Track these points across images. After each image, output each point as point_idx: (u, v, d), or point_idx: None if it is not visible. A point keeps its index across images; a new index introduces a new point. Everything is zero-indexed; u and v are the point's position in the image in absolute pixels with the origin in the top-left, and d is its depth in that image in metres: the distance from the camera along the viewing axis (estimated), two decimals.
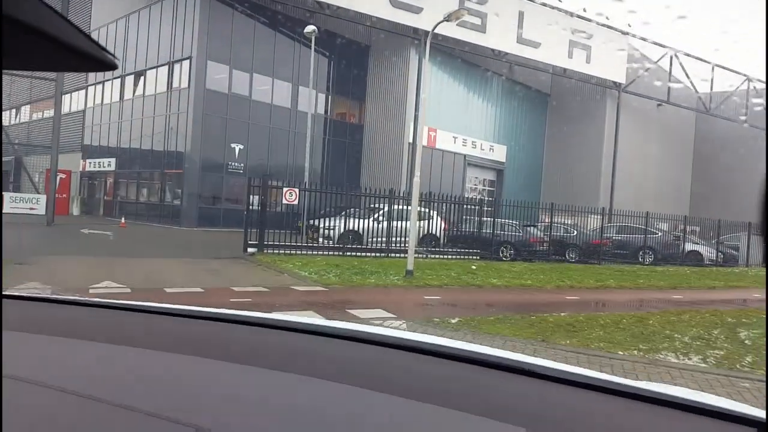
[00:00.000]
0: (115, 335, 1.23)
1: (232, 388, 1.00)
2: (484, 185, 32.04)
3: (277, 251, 14.85)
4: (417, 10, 25.65)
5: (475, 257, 17.63)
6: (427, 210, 16.86)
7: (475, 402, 0.93)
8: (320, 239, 16.24)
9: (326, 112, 29.10)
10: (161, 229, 23.86)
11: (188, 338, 1.24)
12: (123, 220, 23.10)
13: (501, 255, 18.85)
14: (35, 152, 38.82)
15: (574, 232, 21.30)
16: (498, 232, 18.53)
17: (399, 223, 15.73)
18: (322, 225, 16.27)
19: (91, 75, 31.96)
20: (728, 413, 0.88)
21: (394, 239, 15.71)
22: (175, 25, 25.46)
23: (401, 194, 18.44)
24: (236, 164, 25.45)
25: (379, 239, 15.66)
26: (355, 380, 1.00)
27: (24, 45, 0.54)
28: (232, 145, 25.20)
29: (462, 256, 17.33)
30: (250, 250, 14.68)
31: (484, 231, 18.25)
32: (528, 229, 19.75)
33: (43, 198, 20.71)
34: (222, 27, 24.65)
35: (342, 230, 15.65)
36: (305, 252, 15.17)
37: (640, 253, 22.61)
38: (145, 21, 27.58)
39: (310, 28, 20.33)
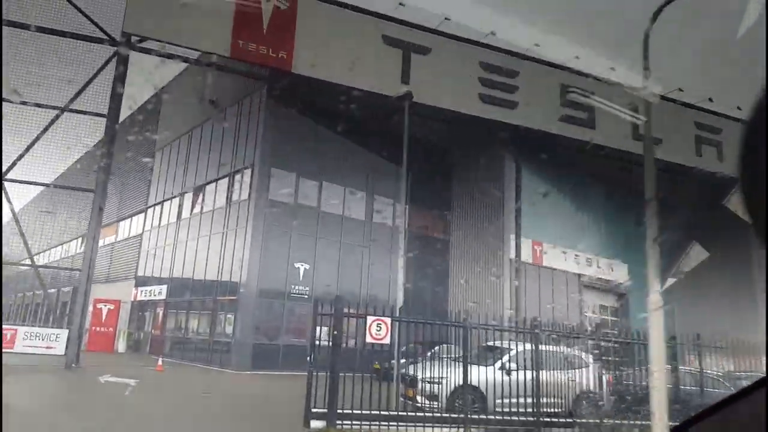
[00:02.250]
0: None
1: None
2: (605, 312, 25.83)
3: (356, 423, 9.43)
4: (511, 105, 21.69)
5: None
6: (578, 351, 11.16)
7: None
8: (420, 399, 10.75)
9: (403, 224, 24.69)
10: (206, 373, 19.11)
11: None
12: (160, 362, 18.59)
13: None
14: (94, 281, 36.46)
15: None
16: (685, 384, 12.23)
17: (542, 372, 10.16)
18: (421, 375, 10.86)
19: (151, 196, 29.57)
20: None
21: (543, 401, 10.03)
22: (238, 133, 22.63)
23: (529, 325, 13.03)
24: (300, 288, 20.94)
25: (513, 400, 9.95)
26: None
27: None
28: (297, 265, 20.88)
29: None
30: (314, 425, 9.39)
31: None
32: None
33: (64, 334, 16.70)
34: (287, 132, 21.51)
35: (453, 385, 10.17)
36: (401, 425, 9.53)
37: None
38: (208, 133, 25.11)
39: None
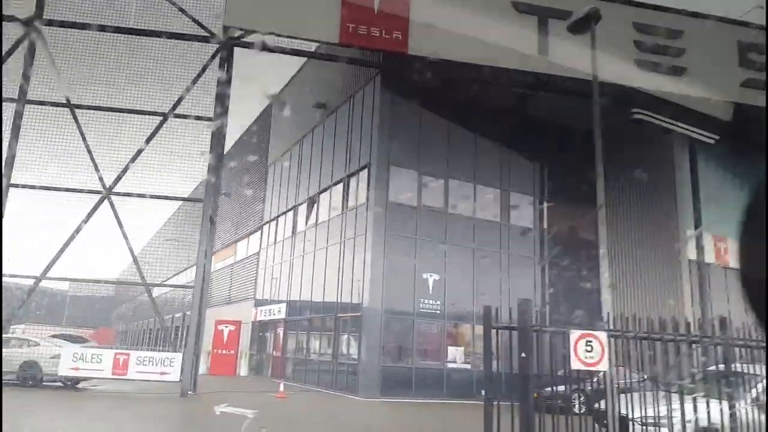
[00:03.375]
0: None
1: None
2: None
3: None
4: (678, 71, 17.65)
5: None
6: None
7: None
8: None
9: (542, 224, 21.20)
10: (331, 400, 16.88)
11: None
12: (281, 388, 16.62)
13: None
14: (212, 303, 36.36)
15: None
16: None
17: None
18: (630, 412, 7.53)
19: (266, 212, 28.49)
20: None
21: None
22: (351, 133, 20.59)
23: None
24: (431, 302, 18.21)
25: None
26: None
27: None
28: (425, 276, 18.20)
29: None
30: None
31: None
32: None
33: (178, 358, 15.21)
34: (405, 125, 19.10)
35: (695, 428, 6.79)
36: None
37: None
38: (319, 139, 23.41)
39: None
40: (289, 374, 22.73)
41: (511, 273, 19.46)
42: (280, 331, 24.78)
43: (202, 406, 13.90)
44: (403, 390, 17.37)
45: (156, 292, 19.48)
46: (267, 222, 28.45)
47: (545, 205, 21.15)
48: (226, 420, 11.95)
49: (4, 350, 15.82)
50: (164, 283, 15.92)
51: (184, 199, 16.20)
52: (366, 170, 18.88)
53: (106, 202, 16.01)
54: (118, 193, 16.15)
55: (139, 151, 16.12)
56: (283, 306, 24.33)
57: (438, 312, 18.24)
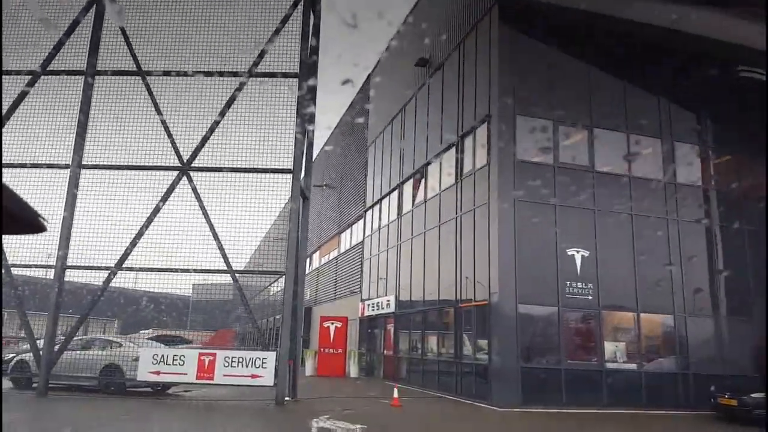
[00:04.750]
0: None
1: None
2: None
3: None
4: None
5: None
6: None
7: None
8: None
9: (709, 182, 16.36)
10: (457, 409, 13.44)
11: None
12: (396, 394, 13.44)
13: None
14: (318, 300, 34.25)
15: None
16: None
17: None
18: None
19: (368, 196, 25.68)
20: None
21: None
22: (462, 85, 17.03)
23: None
24: (580, 285, 14.23)
25: None
26: None
27: None
28: (570, 252, 14.25)
29: None
30: None
31: None
32: None
33: (271, 358, 12.50)
34: (534, 67, 15.22)
35: None
36: None
37: None
38: (423, 102, 20.09)
39: None
40: (403, 376, 19.61)
41: (682, 243, 14.97)
42: (391, 327, 21.74)
43: (296, 418, 11.03)
44: (550, 397, 13.59)
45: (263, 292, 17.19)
46: (369, 207, 25.61)
47: (715, 158, 16.35)
48: None
49: (86, 353, 14.07)
50: (255, 269, 13.30)
51: (270, 171, 13.50)
52: (485, 125, 15.24)
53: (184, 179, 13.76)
54: (197, 168, 13.83)
55: (216, 123, 13.70)
56: (392, 299, 21.27)
57: (590, 297, 14.21)
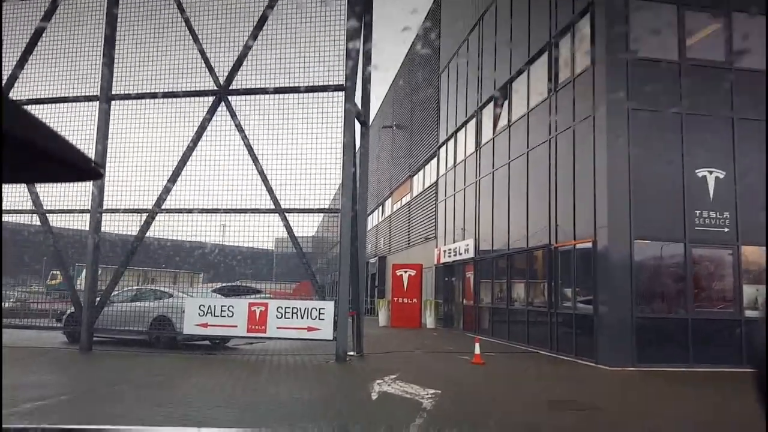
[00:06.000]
0: None
1: None
2: None
3: None
4: None
5: None
6: None
7: None
8: None
9: None
10: (553, 368, 11.04)
11: None
12: (477, 350, 11.20)
13: None
14: (393, 249, 32.33)
15: None
16: None
17: None
18: None
19: (441, 131, 23.05)
20: None
21: None
22: None
23: None
24: (712, 215, 11.18)
25: None
26: None
27: (20, 159, 0.56)
28: (700, 173, 11.16)
29: None
30: None
31: None
32: None
33: (329, 307, 10.56)
34: None
35: None
36: None
37: None
38: (505, 4, 16.97)
39: None
40: (485, 327, 17.38)
41: None
42: (470, 274, 19.41)
43: (355, 379, 9.03)
44: (672, 353, 10.92)
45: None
46: (443, 143, 22.99)
47: None
48: (384, 412, 6.83)
49: (135, 304, 12.78)
50: (304, 208, 11.24)
51: (317, 89, 11.22)
52: (587, 17, 12.10)
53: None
54: (235, 91, 11.82)
55: (254, 37, 11.52)
56: (471, 243, 18.85)
57: (725, 230, 11.15)
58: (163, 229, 11.98)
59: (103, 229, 12.09)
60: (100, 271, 12.26)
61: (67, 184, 11.83)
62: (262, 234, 11.51)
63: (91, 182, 11.66)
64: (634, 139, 11.13)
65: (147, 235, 12.08)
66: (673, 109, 11.18)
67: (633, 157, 11.07)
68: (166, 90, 11.88)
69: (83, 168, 0.62)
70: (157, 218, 11.91)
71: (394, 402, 7.23)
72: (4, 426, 1.33)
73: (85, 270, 12.17)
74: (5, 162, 0.56)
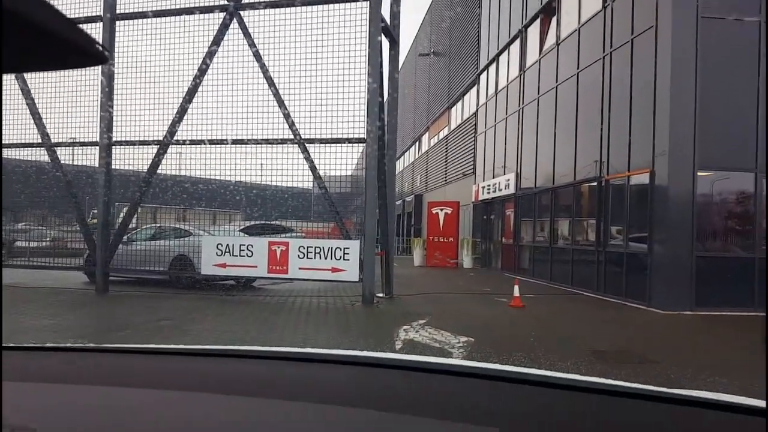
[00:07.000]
0: (117, 378, 1.18)
1: (241, 422, 0.97)
2: None
3: None
4: None
5: None
6: None
7: (451, 409, 1.00)
8: None
9: None
10: (601, 312, 10.02)
11: (193, 376, 1.21)
12: (516, 292, 10.27)
13: None
14: (429, 187, 31.14)
15: None
16: None
17: None
18: None
19: (482, 55, 21.37)
20: (727, 405, 0.91)
21: None
22: None
23: None
24: None
25: None
26: (337, 400, 1.03)
27: (24, 42, 0.51)
28: None
29: None
30: None
31: None
32: None
33: (354, 247, 9.72)
34: None
35: None
36: None
37: None
38: None
39: None
40: (525, 267, 16.41)
41: None
42: (510, 212, 18.26)
43: (380, 324, 8.24)
44: (736, 296, 9.77)
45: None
46: (484, 68, 21.34)
47: None
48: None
49: (157, 242, 12.26)
50: (322, 138, 10.20)
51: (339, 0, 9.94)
52: None
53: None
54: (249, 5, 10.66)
55: None
56: (512, 178, 17.60)
57: None
58: (192, 164, 11.22)
59: (127, 165, 11.45)
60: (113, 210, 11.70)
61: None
62: (299, 171, 10.60)
63: (99, 113, 10.93)
64: (703, 52, 9.55)
65: (180, 173, 11.40)
66: (751, 17, 9.48)
67: (701, 73, 9.53)
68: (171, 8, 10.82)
69: (88, 51, 0.55)
70: (185, 152, 11.16)
71: (418, 353, 6.41)
72: (4, 344, 1.26)
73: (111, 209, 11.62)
74: (6, 45, 0.49)
